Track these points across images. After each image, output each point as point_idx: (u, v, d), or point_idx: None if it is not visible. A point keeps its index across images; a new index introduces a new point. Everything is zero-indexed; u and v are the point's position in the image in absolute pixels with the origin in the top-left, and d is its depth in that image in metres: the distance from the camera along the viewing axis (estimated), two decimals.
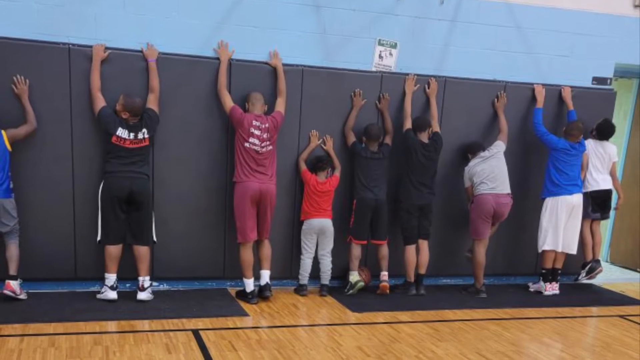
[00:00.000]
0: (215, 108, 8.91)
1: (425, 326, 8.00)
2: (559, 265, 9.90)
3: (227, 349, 6.92)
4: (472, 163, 9.65)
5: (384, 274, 9.37)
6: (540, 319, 8.56)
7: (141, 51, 8.50)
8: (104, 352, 6.64)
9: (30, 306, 7.98)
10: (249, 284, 8.75)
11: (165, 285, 9.11)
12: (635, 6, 10.78)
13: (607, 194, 10.44)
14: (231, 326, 7.71)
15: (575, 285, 10.36)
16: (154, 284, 8.79)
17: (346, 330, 7.75)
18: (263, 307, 8.52)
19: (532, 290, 9.96)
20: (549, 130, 9.96)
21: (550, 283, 9.80)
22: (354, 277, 9.24)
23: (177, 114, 8.81)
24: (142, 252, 8.41)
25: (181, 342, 7.06)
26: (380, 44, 9.69)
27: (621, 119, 12.21)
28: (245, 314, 8.19)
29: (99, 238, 8.32)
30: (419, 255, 9.47)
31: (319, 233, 9.24)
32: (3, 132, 7.86)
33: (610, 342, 7.75)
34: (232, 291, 9.05)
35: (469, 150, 9.85)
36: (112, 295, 8.25)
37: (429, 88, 9.74)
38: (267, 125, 8.61)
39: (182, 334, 7.33)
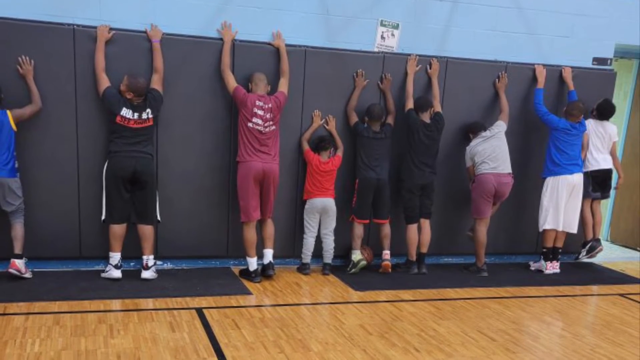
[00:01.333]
0: (219, 88, 8.84)
1: (427, 304, 7.95)
2: (559, 244, 9.85)
3: (230, 327, 6.87)
4: (473, 143, 9.60)
5: (386, 253, 9.32)
6: (541, 298, 8.52)
7: (145, 32, 8.43)
8: (108, 331, 6.59)
9: (35, 285, 7.95)
10: (252, 263, 8.71)
11: (169, 264, 9.07)
12: None
13: (607, 173, 10.39)
14: (234, 305, 7.66)
15: (575, 264, 10.32)
16: (158, 262, 8.76)
17: (348, 309, 7.70)
18: (266, 285, 8.48)
19: (533, 269, 9.92)
20: (550, 110, 9.90)
21: (550, 262, 9.76)
22: (357, 255, 9.19)
23: (181, 94, 8.76)
24: (146, 231, 8.36)
25: (185, 320, 7.02)
26: (382, 24, 9.61)
27: (621, 99, 12.14)
28: (249, 293, 8.15)
29: (103, 217, 8.28)
30: (420, 234, 9.42)
31: (321, 212, 9.19)
32: (8, 112, 7.80)
33: (610, 321, 7.70)
34: (236, 270, 9.01)
35: (471, 130, 9.80)
36: (117, 274, 8.21)
37: (430, 68, 9.68)
38: (270, 105, 8.54)
39: (185, 312, 7.29)
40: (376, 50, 9.64)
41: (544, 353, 6.51)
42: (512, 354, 6.41)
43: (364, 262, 9.20)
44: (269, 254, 8.80)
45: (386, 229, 9.38)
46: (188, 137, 8.91)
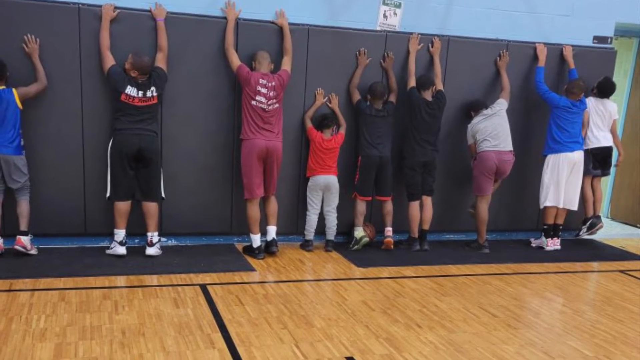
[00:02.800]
0: (223, 67, 8.77)
1: (429, 281, 7.91)
2: (560, 221, 9.80)
3: (234, 303, 6.83)
4: (475, 120, 9.55)
5: (389, 230, 9.28)
6: (541, 274, 8.47)
7: (150, 11, 8.34)
8: (113, 307, 6.55)
9: (41, 261, 7.92)
10: (256, 240, 8.67)
11: (173, 240, 9.04)
12: None
13: (607, 151, 10.33)
14: (238, 281, 7.62)
15: (576, 240, 10.27)
16: (163, 239, 8.72)
17: (351, 285, 7.66)
18: (269, 262, 8.44)
19: (534, 245, 9.87)
20: (551, 89, 9.84)
21: (551, 239, 9.71)
22: (359, 232, 9.15)
23: (185, 72, 8.70)
24: (151, 208, 8.32)
25: (189, 296, 6.98)
26: (384, 3, 9.53)
27: (621, 78, 12.10)
28: (252, 269, 8.11)
29: (108, 194, 8.23)
30: (422, 212, 9.37)
31: (324, 189, 9.13)
32: (14, 90, 7.75)
33: (610, 297, 7.65)
34: (239, 247, 8.96)
35: (472, 108, 9.75)
36: (121, 250, 8.17)
37: (432, 47, 9.62)
38: (273, 83, 8.48)
39: (190, 288, 7.25)
40: (379, 28, 9.58)
41: (544, 329, 6.47)
42: (514, 330, 6.36)
43: (366, 239, 9.16)
44: (272, 231, 8.76)
45: (388, 206, 9.33)
46: (192, 115, 8.85)
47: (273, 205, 8.85)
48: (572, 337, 6.24)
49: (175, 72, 8.58)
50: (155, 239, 8.34)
